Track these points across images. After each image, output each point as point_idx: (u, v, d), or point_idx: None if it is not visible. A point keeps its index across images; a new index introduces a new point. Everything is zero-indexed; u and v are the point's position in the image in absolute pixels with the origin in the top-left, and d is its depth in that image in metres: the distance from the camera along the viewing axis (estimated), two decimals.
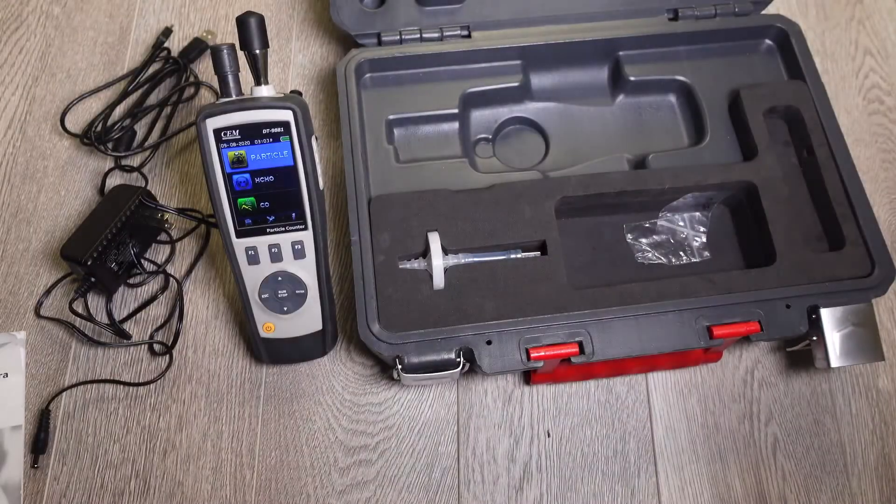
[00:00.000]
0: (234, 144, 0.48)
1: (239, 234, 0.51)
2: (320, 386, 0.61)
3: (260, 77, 0.49)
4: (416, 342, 0.54)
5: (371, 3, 0.68)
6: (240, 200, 0.50)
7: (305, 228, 0.51)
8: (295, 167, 0.49)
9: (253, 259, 0.52)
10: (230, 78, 0.49)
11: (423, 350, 0.54)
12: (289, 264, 0.53)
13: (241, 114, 0.47)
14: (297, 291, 0.54)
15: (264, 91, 0.49)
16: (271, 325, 0.56)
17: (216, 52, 0.48)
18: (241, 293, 0.54)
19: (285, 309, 0.55)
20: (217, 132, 0.47)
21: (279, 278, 0.53)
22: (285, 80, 0.73)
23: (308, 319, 0.56)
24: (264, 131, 0.48)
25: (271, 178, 0.49)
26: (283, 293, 0.54)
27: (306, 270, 0.53)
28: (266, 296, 0.54)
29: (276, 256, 0.52)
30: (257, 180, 0.49)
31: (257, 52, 0.49)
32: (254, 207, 0.50)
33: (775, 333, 0.55)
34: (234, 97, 0.49)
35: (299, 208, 0.51)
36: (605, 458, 0.59)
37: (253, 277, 0.53)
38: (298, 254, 0.52)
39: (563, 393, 0.61)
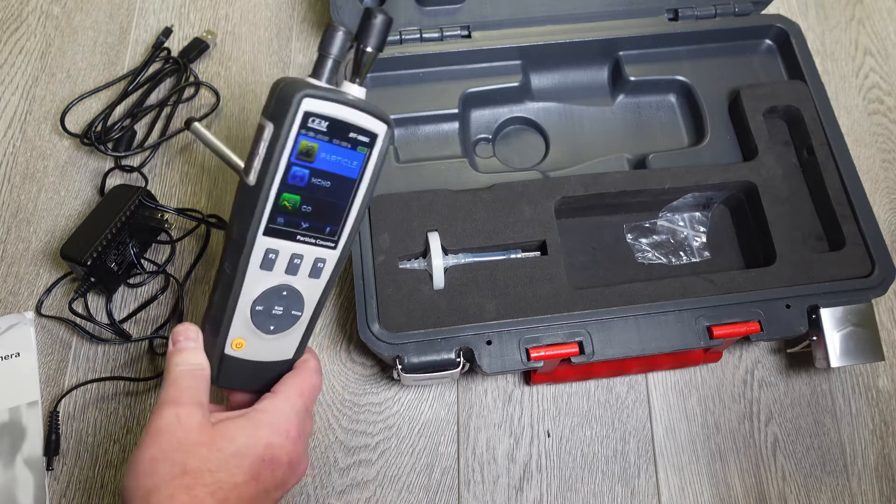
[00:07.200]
0: (313, 135, 0.42)
1: (266, 232, 0.43)
2: None
3: (359, 75, 0.44)
4: (416, 342, 0.54)
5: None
6: (284, 195, 0.43)
7: (334, 248, 0.46)
8: (358, 183, 0.44)
9: (267, 264, 0.45)
10: (331, 63, 0.43)
11: (423, 350, 0.54)
12: (301, 280, 0.46)
13: (341, 107, 0.42)
14: (293, 312, 0.47)
15: (355, 90, 0.44)
16: (242, 342, 0.47)
17: (332, 31, 0.43)
18: (226, 298, 0.45)
19: (272, 328, 0.47)
20: (307, 115, 0.41)
21: (284, 293, 0.46)
22: None
23: (285, 345, 0.49)
24: (350, 134, 0.43)
25: (329, 183, 0.43)
26: (278, 310, 0.46)
27: (313, 292, 0.47)
28: (260, 308, 0.46)
29: (293, 268, 0.46)
30: (314, 181, 0.43)
31: (370, 50, 0.44)
32: (294, 208, 0.43)
33: (775, 333, 0.55)
34: (324, 84, 0.43)
35: (338, 225, 0.45)
36: (605, 458, 0.59)
37: (255, 284, 0.45)
38: (315, 272, 0.46)
39: (563, 393, 0.61)
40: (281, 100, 0.41)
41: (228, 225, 0.44)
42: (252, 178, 0.42)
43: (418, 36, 0.65)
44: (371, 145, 0.44)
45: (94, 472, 0.58)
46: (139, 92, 0.71)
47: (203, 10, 0.77)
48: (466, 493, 0.58)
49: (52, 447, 0.57)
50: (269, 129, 0.41)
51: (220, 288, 0.45)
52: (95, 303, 0.63)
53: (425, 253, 0.57)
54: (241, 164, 0.44)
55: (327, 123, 0.42)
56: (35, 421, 0.58)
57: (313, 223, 0.44)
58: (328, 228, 0.45)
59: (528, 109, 0.68)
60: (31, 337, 0.61)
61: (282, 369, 0.49)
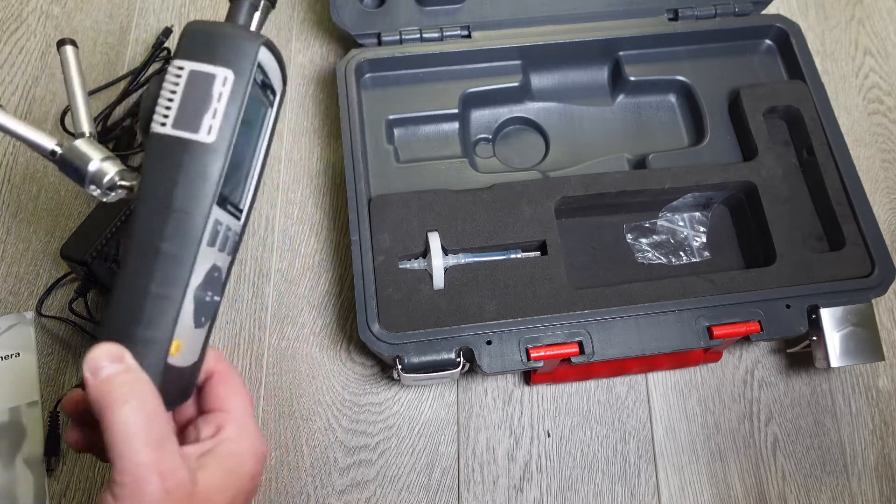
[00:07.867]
0: (252, 88, 0.37)
1: (219, 201, 0.36)
2: (320, 386, 0.61)
3: (260, 26, 0.40)
4: (416, 342, 0.54)
5: (371, 3, 0.68)
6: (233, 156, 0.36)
7: (239, 219, 0.39)
8: (259, 144, 0.39)
9: (213, 239, 0.36)
10: (247, 8, 0.38)
11: (423, 350, 0.54)
12: (224, 257, 0.38)
13: (274, 60, 0.38)
14: (216, 298, 0.38)
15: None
16: (179, 344, 0.36)
17: None
18: (171, 285, 0.35)
19: (202, 320, 0.37)
20: (258, 66, 0.37)
21: (216, 274, 0.37)
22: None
23: (198, 342, 0.38)
24: (267, 91, 0.39)
25: (244, 144, 0.38)
26: (209, 296, 0.37)
27: (228, 271, 0.39)
28: (201, 294, 0.36)
29: (223, 242, 0.37)
30: (240, 140, 0.37)
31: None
32: (228, 171, 0.36)
33: (775, 333, 0.55)
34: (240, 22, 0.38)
35: (245, 191, 0.39)
36: (605, 458, 0.59)
37: (202, 265, 0.36)
38: (232, 247, 0.39)
39: (563, 393, 0.61)
40: (235, 45, 0.36)
41: (152, 193, 0.35)
42: (210, 135, 0.35)
43: (418, 36, 0.65)
44: (272, 103, 0.39)
45: (94, 472, 0.58)
46: (139, 92, 0.71)
47: (203, 10, 0.77)
48: (466, 493, 0.58)
49: (52, 447, 0.57)
50: (226, 77, 0.35)
51: (158, 274, 0.34)
52: (95, 303, 0.63)
53: (425, 253, 0.57)
54: (22, 128, 0.38)
55: (262, 77, 0.37)
56: (35, 421, 0.58)
57: (231, 190, 0.37)
58: (238, 195, 0.38)
59: (528, 109, 0.68)
60: (31, 337, 0.61)
61: (189, 376, 0.38)
